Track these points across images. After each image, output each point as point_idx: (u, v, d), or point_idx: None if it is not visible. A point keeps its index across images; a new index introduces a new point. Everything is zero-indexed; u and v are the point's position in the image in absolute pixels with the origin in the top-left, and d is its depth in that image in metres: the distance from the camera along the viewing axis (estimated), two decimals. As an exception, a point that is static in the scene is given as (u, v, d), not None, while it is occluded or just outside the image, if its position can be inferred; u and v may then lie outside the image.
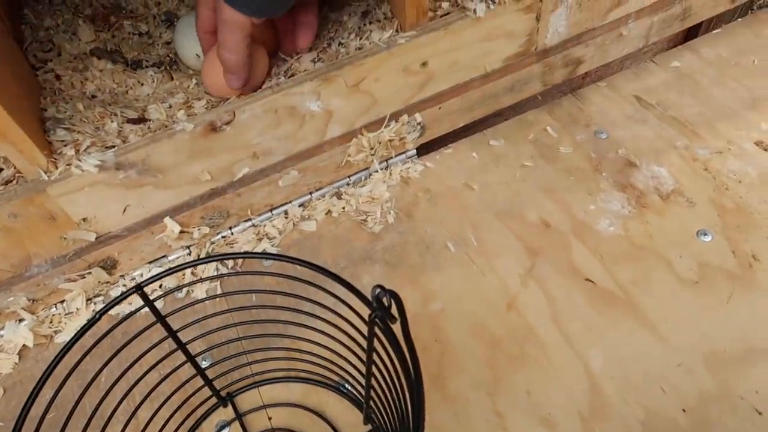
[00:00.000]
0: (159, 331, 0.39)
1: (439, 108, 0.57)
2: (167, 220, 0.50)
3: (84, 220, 0.47)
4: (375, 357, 0.37)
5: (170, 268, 0.36)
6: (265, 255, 0.34)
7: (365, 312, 0.33)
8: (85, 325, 0.36)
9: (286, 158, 0.52)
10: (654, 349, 0.45)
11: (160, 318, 0.38)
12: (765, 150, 0.57)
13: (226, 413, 0.45)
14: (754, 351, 0.44)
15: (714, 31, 0.71)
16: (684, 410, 0.42)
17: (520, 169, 0.59)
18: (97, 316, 0.36)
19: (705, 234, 0.51)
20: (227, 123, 0.47)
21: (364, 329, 0.35)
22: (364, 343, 0.37)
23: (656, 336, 0.46)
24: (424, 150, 0.60)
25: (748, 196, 0.54)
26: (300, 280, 0.38)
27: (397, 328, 0.30)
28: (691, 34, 0.73)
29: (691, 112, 0.62)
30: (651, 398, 0.43)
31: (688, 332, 0.46)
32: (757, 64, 0.66)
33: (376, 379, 0.38)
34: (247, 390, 0.46)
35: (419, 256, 0.53)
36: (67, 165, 0.44)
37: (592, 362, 0.45)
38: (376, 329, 0.34)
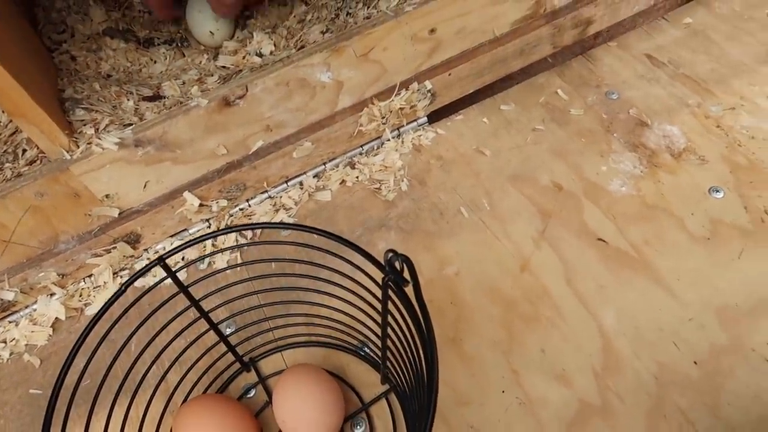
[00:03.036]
0: (183, 301, 0.41)
1: (449, 74, 0.57)
2: (186, 194, 0.51)
3: (107, 196, 0.48)
4: (390, 319, 0.38)
5: (191, 240, 0.37)
6: (282, 225, 0.35)
7: (380, 276, 0.35)
8: (112, 296, 0.38)
9: (299, 130, 0.53)
10: (666, 305, 0.46)
11: (183, 288, 0.40)
12: (779, 105, 0.57)
13: (250, 377, 0.47)
14: (766, 304, 0.45)
15: (728, -15, 0.70)
16: (696, 363, 0.43)
17: (532, 133, 0.59)
18: (123, 288, 0.38)
19: (717, 191, 0.51)
20: (240, 97, 0.48)
21: (379, 293, 0.37)
22: (380, 307, 0.38)
23: (668, 293, 0.47)
24: (435, 117, 0.61)
25: (761, 151, 0.54)
26: (316, 248, 0.39)
27: (410, 290, 0.32)
28: (704, -11, 0.72)
29: (703, 69, 0.61)
30: (663, 353, 0.44)
31: (700, 288, 0.46)
32: (772, 17, 0.65)
33: (391, 340, 0.40)
34: (271, 354, 0.48)
35: (433, 222, 0.53)
36: (88, 144, 0.45)
37: (605, 320, 0.46)
38: (390, 292, 0.35)
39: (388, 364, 0.43)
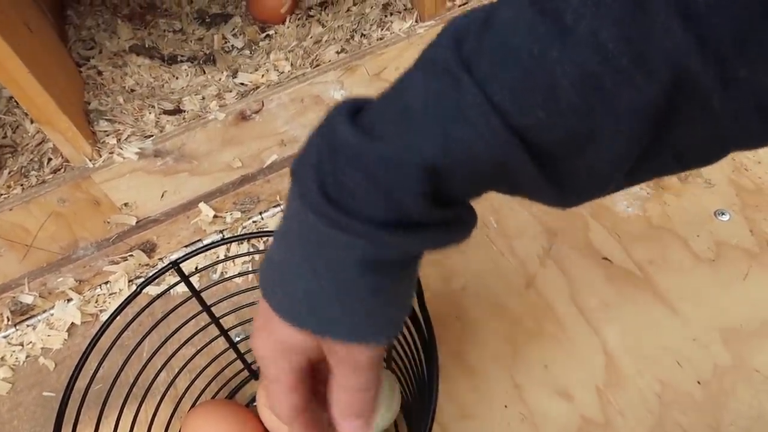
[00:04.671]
0: (195, 307, 0.42)
1: (460, 95, 0.58)
2: (202, 205, 0.53)
3: (125, 205, 0.50)
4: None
5: (206, 245, 0.39)
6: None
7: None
8: (125, 300, 0.39)
9: (313, 146, 0.55)
10: (670, 324, 0.46)
11: (196, 293, 0.41)
12: (786, 131, 0.57)
13: (258, 386, 0.48)
14: (770, 326, 0.45)
15: None
16: (699, 382, 0.43)
17: (540, 153, 0.60)
18: (138, 289, 0.39)
19: (723, 214, 0.52)
20: (256, 112, 0.49)
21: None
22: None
23: (672, 312, 0.47)
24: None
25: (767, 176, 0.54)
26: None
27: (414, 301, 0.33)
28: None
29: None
30: (666, 371, 0.44)
31: (704, 308, 0.47)
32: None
33: (396, 351, 0.41)
34: (278, 363, 0.49)
35: (441, 238, 0.54)
36: (110, 153, 0.47)
37: (608, 337, 0.46)
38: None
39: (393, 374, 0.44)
